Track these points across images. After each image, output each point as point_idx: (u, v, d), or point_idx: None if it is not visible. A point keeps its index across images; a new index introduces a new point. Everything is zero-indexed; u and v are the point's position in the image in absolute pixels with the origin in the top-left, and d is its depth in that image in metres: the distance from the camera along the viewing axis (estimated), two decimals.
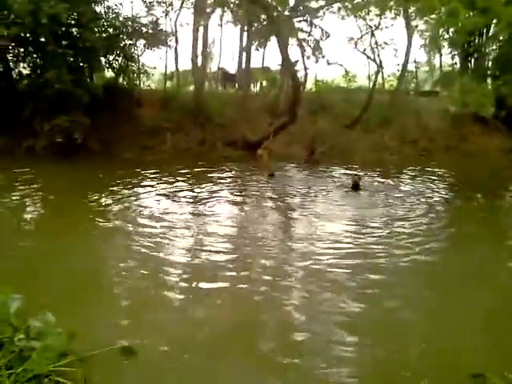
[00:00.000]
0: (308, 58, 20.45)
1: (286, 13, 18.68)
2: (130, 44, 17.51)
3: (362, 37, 21.82)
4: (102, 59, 16.88)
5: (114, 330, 4.25)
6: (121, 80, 18.16)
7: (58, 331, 3.35)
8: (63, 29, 14.87)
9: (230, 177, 13.18)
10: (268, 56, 36.51)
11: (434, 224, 8.69)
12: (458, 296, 5.35)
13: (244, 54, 22.09)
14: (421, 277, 6.05)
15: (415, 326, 4.73)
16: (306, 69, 18.71)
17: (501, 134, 19.42)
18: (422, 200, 10.57)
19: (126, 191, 10.66)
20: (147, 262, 6.14)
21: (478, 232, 8.34)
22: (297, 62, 19.15)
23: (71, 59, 15.08)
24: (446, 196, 11.44)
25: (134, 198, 10.11)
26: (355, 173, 12.64)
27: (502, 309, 5.09)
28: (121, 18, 16.82)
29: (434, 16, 20.25)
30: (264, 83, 26.20)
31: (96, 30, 15.64)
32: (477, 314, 4.93)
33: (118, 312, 4.78)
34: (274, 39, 18.39)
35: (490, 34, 20.47)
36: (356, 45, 21.76)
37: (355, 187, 11.56)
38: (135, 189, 11.07)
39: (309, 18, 20.30)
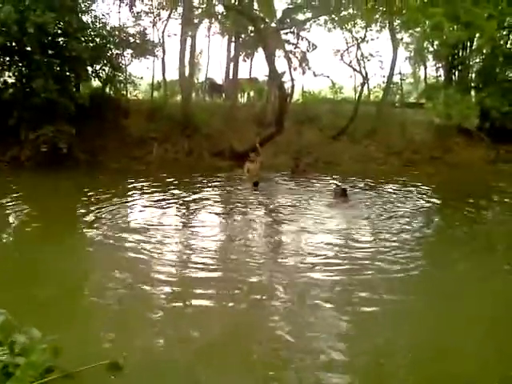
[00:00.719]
0: (295, 69, 20.64)
1: (273, 25, 18.84)
2: (117, 54, 17.46)
3: (348, 49, 22.13)
4: (89, 69, 16.81)
5: (100, 346, 4.18)
6: (107, 90, 18.09)
7: (43, 347, 3.28)
8: (49, 38, 14.80)
9: (216, 187, 13.13)
10: (255, 67, 36.61)
11: (424, 235, 8.74)
12: (456, 306, 5.35)
13: (231, 64, 22.20)
14: (416, 291, 6.03)
15: (407, 337, 4.73)
16: (292, 80, 18.83)
17: (485, 146, 19.68)
18: (410, 211, 10.63)
19: (111, 202, 10.52)
20: (132, 276, 6.03)
21: (470, 242, 8.36)
22: (284, 73, 19.29)
23: (57, 68, 15.02)
24: (434, 207, 11.55)
25: (119, 209, 10.01)
26: (340, 184, 12.64)
27: (503, 320, 5.08)
28: (108, 28, 16.79)
29: (418, 29, 20.65)
30: (251, 94, 26.33)
31: (83, 39, 15.57)
32: (476, 324, 4.93)
33: (102, 327, 4.69)
34: (261, 50, 18.52)
35: (474, 47, 20.84)
36: (342, 57, 22.05)
37: (343, 192, 11.61)
38: (121, 199, 10.96)
39: (296, 30, 20.50)
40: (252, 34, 19.45)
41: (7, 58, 15.45)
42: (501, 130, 19.39)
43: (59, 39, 15.27)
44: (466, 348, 4.50)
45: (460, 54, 21.30)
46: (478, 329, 4.85)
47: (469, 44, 20.67)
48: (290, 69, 18.91)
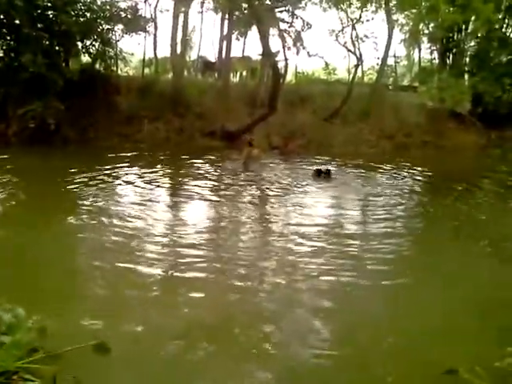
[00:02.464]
0: (289, 48, 20.38)
1: (268, 2, 18.54)
2: (107, 29, 17.08)
3: (342, 29, 21.87)
4: (79, 44, 16.50)
5: (87, 327, 4.12)
6: (97, 65, 17.77)
7: (28, 326, 3.23)
8: (38, 11, 14.49)
9: (207, 167, 12.99)
10: (249, 45, 36.25)
11: (410, 219, 8.77)
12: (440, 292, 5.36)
13: (224, 42, 21.87)
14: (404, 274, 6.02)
15: (391, 322, 4.72)
16: (286, 60, 18.62)
17: (477, 130, 19.74)
18: (396, 193, 10.65)
19: (99, 180, 10.39)
20: (122, 259, 5.90)
21: (456, 225, 8.40)
22: (278, 52, 19.04)
23: (46, 43, 14.71)
24: (422, 190, 11.55)
25: (107, 188, 9.84)
26: (325, 165, 12.80)
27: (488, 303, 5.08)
28: (98, 2, 16.41)
29: (414, 10, 20.46)
30: (244, 73, 26.05)
31: (72, 13, 15.25)
32: (460, 311, 4.92)
33: (90, 308, 4.61)
34: (254, 29, 18.25)
35: (469, 31, 20.71)
36: (337, 37, 21.79)
37: (327, 173, 11.95)
38: (109, 178, 10.80)
39: (290, 9, 20.19)
40: (246, 12, 19.12)
41: None
42: (493, 114, 19.46)
43: (48, 13, 14.95)
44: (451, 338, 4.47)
45: (455, 37, 21.17)
46: (463, 315, 4.83)
47: (464, 27, 20.53)
48: (283, 48, 18.68)
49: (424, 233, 8.17)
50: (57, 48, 15.63)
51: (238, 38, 22.28)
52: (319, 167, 12.44)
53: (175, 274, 5.67)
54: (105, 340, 3.16)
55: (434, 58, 23.82)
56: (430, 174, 13.76)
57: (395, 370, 3.89)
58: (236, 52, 23.52)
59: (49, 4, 14.71)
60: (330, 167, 12.56)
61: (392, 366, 3.95)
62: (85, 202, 8.65)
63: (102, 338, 3.18)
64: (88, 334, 3.80)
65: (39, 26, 14.49)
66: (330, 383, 3.79)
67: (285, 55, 18.55)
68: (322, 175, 11.97)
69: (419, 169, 14.04)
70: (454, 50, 21.69)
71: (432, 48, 23.57)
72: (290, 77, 23.03)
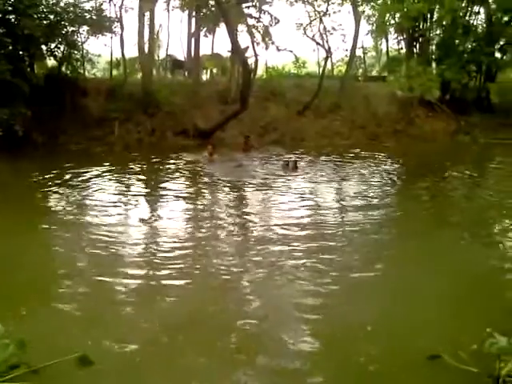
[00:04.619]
0: (258, 44, 20.37)
1: None
2: (72, 31, 16.72)
3: (310, 23, 21.95)
4: (43, 47, 16.08)
5: (68, 339, 3.97)
6: (64, 69, 17.40)
7: (6, 342, 3.13)
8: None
9: (180, 166, 12.83)
10: (218, 43, 36.05)
11: (385, 209, 8.83)
12: (413, 278, 5.41)
13: (193, 40, 21.70)
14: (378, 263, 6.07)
15: (367, 309, 4.73)
16: (256, 55, 18.60)
17: (446, 117, 20.08)
18: (373, 184, 10.75)
19: (71, 187, 10.04)
20: (96, 267, 5.65)
21: (427, 214, 8.56)
22: (247, 48, 18.99)
23: (9, 48, 14.28)
24: (395, 179, 11.67)
25: (79, 195, 9.54)
26: (292, 157, 12.99)
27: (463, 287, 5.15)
28: (62, 4, 16.00)
29: (379, 1, 20.68)
30: (214, 70, 25.92)
31: (35, 16, 14.82)
32: (435, 294, 4.97)
33: (70, 320, 4.41)
34: (222, 25, 18.16)
35: (434, 19, 21.01)
36: (305, 31, 21.86)
37: (295, 165, 12.22)
38: (81, 184, 10.48)
39: (257, 4, 20.15)
40: (213, 8, 18.99)
41: None
42: (460, 101, 19.86)
43: (10, 17, 14.50)
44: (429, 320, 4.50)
45: (421, 26, 21.45)
46: (439, 300, 4.83)
47: (429, 16, 20.82)
48: (252, 44, 18.64)
49: (400, 221, 8.24)
50: (21, 53, 15.20)
51: (206, 35, 22.18)
52: (287, 159, 12.68)
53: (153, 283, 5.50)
54: (86, 351, 3.09)
55: (402, 48, 24.15)
56: (403, 164, 13.96)
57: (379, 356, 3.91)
58: (205, 49, 23.39)
59: (9, 8, 14.27)
60: (296, 159, 12.82)
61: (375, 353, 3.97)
62: (54, 211, 8.36)
63: (84, 349, 3.11)
64: (69, 345, 3.69)
65: (1, 30, 14.06)
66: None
67: (254, 51, 18.55)
68: (289, 167, 12.17)
69: (392, 159, 14.25)
70: (421, 39, 21.99)
71: (399, 38, 23.92)
72: (260, 72, 23.04)
